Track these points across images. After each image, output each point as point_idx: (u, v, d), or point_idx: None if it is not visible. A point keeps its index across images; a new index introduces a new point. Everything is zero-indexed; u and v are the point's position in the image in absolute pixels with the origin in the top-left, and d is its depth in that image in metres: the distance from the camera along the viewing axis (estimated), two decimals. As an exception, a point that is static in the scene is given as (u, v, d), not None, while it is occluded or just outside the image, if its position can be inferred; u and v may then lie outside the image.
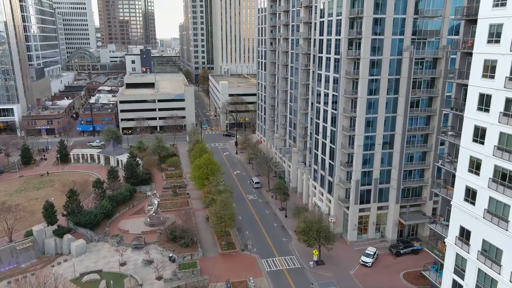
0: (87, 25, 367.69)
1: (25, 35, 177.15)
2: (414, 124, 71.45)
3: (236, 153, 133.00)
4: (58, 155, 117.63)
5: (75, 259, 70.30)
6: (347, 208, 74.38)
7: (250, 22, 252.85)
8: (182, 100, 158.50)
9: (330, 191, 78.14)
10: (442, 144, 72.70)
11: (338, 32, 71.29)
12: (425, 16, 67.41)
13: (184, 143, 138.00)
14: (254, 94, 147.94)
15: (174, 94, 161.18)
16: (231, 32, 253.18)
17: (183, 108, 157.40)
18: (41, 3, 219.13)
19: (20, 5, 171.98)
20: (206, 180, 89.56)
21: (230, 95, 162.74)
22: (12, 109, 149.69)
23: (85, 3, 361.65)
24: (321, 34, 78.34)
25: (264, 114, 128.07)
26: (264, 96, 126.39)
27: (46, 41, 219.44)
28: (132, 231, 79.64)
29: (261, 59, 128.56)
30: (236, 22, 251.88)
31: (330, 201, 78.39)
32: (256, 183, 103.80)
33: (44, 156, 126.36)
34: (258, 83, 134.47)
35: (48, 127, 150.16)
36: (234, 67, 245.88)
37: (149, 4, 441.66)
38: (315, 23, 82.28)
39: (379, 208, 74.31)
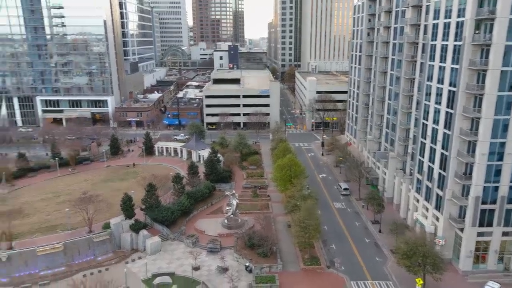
0: (181, 24, 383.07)
1: (122, 31, 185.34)
2: (561, 129, 55.34)
3: (322, 154, 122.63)
4: (143, 147, 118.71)
5: (149, 257, 66.99)
6: (461, 230, 60.47)
7: (342, 17, 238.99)
8: (267, 96, 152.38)
9: (438, 207, 64.61)
10: None
11: (460, 13, 57.86)
12: None
13: (267, 141, 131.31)
14: (344, 92, 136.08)
15: (259, 90, 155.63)
16: (320, 28, 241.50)
17: (267, 105, 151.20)
18: (141, 2, 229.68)
19: (119, 2, 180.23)
20: (289, 183, 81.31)
21: (317, 92, 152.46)
22: (106, 100, 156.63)
23: (179, 3, 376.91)
24: (436, 17, 65.08)
25: (356, 113, 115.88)
26: (357, 93, 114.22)
27: (142, 37, 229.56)
28: (208, 232, 74.56)
29: (356, 52, 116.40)
30: (326, 17, 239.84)
31: (437, 219, 64.86)
32: (344, 189, 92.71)
33: (140, 146, 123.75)
34: (351, 79, 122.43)
35: (138, 119, 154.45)
36: (322, 64, 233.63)
37: (239, 3, 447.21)
38: (428, 5, 69.13)
39: (505, 234, 59.26)
